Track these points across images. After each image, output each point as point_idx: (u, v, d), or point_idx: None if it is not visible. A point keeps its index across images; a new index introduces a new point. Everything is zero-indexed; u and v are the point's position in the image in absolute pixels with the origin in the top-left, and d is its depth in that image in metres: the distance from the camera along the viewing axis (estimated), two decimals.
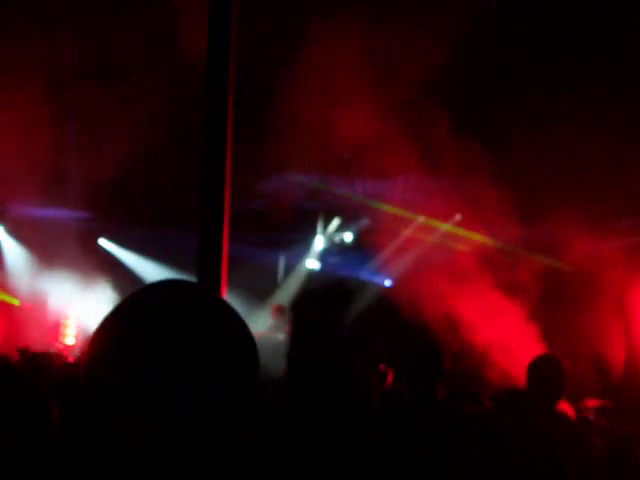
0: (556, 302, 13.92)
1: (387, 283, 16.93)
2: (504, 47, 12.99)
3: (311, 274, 17.42)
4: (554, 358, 6.41)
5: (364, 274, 16.92)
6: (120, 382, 1.47)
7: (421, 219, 16.08)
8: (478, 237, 15.11)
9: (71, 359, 9.73)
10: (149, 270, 16.75)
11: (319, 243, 17.30)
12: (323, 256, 17.41)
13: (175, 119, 13.20)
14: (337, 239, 17.20)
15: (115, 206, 15.36)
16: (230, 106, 4.85)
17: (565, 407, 6.36)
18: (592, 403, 7.17)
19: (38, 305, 15.81)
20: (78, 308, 15.31)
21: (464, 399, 7.10)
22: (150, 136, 13.29)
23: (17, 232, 16.16)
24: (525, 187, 13.91)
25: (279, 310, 15.78)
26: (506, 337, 13.94)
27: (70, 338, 15.40)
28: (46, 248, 15.40)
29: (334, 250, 17.33)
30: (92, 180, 13.83)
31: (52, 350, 13.01)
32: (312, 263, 17.42)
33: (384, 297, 16.57)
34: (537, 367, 6.18)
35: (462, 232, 15.45)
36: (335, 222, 17.08)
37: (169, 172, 14.57)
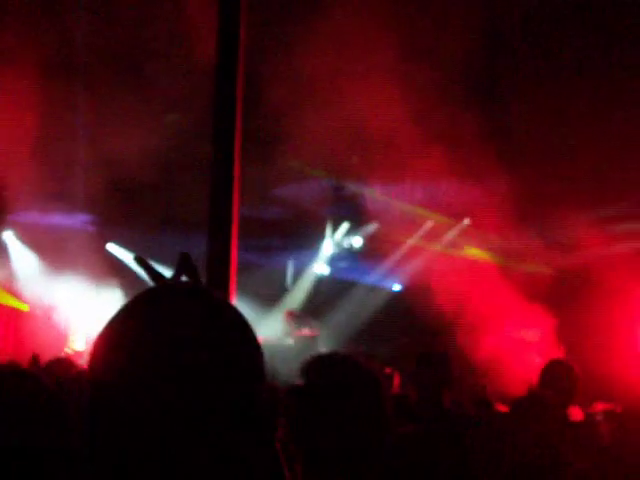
0: (564, 306, 13.89)
1: (395, 288, 16.91)
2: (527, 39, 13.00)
3: (320, 279, 17.41)
4: (566, 363, 6.40)
5: (372, 279, 16.92)
6: (125, 383, 1.48)
7: (430, 224, 16.06)
8: (486, 240, 15.10)
9: (84, 365, 9.72)
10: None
11: (328, 248, 17.29)
12: (332, 261, 17.41)
13: (186, 122, 13.22)
14: (346, 244, 17.19)
15: (123, 211, 15.38)
16: (239, 108, 4.85)
17: (575, 411, 6.35)
18: (601, 407, 7.16)
19: (47, 311, 15.84)
20: (87, 313, 15.32)
21: (473, 404, 7.10)
22: (160, 141, 13.31)
23: (26, 237, 16.18)
24: (536, 189, 13.89)
25: (291, 315, 15.79)
26: (516, 341, 13.92)
27: (79, 343, 15.41)
28: (55, 253, 15.41)
29: (343, 255, 17.33)
30: (101, 185, 13.86)
31: (62, 355, 13.04)
32: (321, 268, 17.41)
33: (393, 302, 16.57)
34: (550, 372, 6.17)
35: (471, 235, 15.45)
36: (344, 227, 17.07)
37: (178, 177, 14.60)
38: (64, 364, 7.51)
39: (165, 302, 1.57)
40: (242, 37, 4.93)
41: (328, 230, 17.17)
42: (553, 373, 6.12)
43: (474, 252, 15.33)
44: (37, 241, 15.72)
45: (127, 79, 12.97)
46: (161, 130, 13.42)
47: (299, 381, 3.10)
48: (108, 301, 14.90)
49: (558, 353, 12.08)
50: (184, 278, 2.14)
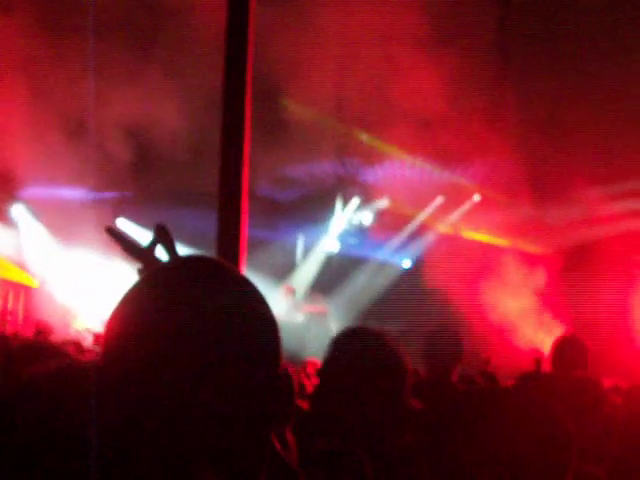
0: (577, 280, 13.88)
1: (405, 264, 16.88)
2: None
3: (329, 255, 17.38)
4: (577, 338, 6.39)
5: (382, 255, 16.88)
6: (144, 361, 1.43)
7: (440, 200, 16.03)
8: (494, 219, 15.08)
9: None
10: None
11: (338, 224, 17.25)
12: (342, 237, 17.36)
13: (197, 98, 13.20)
14: (356, 220, 17.15)
15: (134, 186, 15.37)
16: (249, 85, 4.82)
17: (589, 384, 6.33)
18: (607, 382, 7.16)
19: (56, 287, 15.86)
20: (96, 289, 15.32)
21: (480, 379, 7.10)
22: (171, 116, 13.30)
23: (37, 211, 16.16)
24: (550, 165, 13.87)
25: (290, 291, 15.78)
26: (527, 316, 13.93)
27: (88, 322, 15.41)
28: (65, 228, 15.40)
29: (353, 231, 17.28)
30: (113, 159, 13.86)
31: (72, 333, 13.09)
32: (330, 244, 17.37)
33: (403, 278, 16.56)
34: (561, 347, 6.16)
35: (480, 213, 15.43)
36: (354, 203, 17.02)
37: (188, 152, 14.59)
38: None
39: (185, 276, 1.52)
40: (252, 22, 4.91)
41: (338, 206, 17.12)
42: (564, 348, 6.10)
43: (479, 236, 15.30)
44: (48, 215, 15.69)
45: (142, 50, 12.97)
46: (174, 102, 13.41)
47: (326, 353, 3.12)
48: (118, 276, 14.92)
49: (569, 328, 12.09)
50: (160, 248, 2.10)
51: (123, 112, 13.65)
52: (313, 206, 16.61)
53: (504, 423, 2.34)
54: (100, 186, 15.37)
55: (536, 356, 10.76)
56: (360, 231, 17.21)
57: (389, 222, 16.31)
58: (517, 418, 2.36)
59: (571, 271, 13.98)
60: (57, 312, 15.01)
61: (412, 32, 12.58)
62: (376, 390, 2.99)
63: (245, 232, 4.86)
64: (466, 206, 15.81)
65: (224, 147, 4.80)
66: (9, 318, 15.46)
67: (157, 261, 2.15)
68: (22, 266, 16.11)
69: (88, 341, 12.08)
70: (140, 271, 2.14)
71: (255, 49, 4.82)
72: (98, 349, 8.24)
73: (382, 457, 2.96)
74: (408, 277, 16.31)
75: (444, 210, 16.01)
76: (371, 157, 15.56)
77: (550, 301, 13.96)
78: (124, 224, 17.01)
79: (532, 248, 14.79)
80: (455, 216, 15.94)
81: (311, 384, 7.69)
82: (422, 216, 16.12)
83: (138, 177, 15.13)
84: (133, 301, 1.51)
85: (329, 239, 17.29)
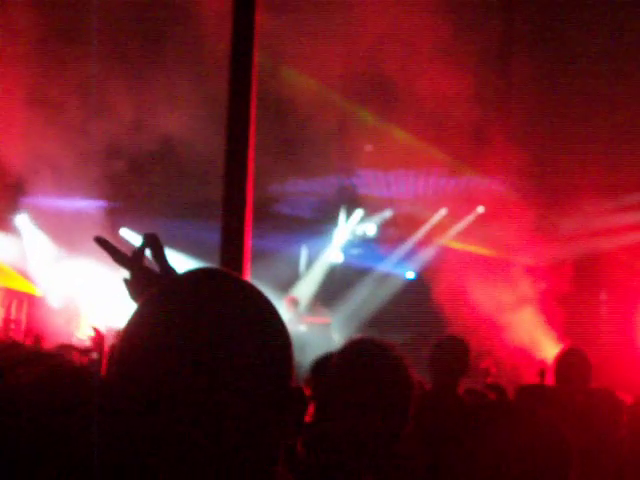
0: (581, 292, 13.87)
1: (409, 275, 16.86)
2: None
3: (333, 266, 17.36)
4: (580, 351, 6.37)
5: (386, 266, 16.86)
6: (158, 372, 1.41)
7: (443, 212, 16.02)
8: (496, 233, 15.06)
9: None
10: (171, 261, 16.67)
11: (341, 235, 17.23)
12: (345, 248, 17.35)
13: (200, 107, 13.21)
14: (359, 231, 17.13)
15: (137, 196, 15.37)
16: (254, 95, 4.82)
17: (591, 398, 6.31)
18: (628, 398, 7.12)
19: (60, 296, 15.84)
20: (99, 298, 15.30)
21: (487, 391, 7.06)
22: (174, 126, 13.30)
23: (39, 221, 16.16)
24: (555, 177, 13.87)
25: (293, 301, 15.76)
26: (531, 328, 13.90)
27: (90, 329, 15.39)
28: (68, 238, 15.39)
29: (356, 242, 17.27)
30: (115, 170, 13.85)
31: (74, 341, 13.05)
32: (334, 255, 17.35)
33: (407, 290, 16.54)
34: (564, 360, 6.14)
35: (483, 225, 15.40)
36: (358, 214, 17.00)
37: (192, 163, 14.59)
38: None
39: (199, 288, 1.50)
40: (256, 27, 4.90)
41: (342, 217, 17.11)
42: (568, 361, 6.09)
43: (480, 249, 15.26)
44: (51, 225, 15.69)
45: (147, 58, 12.98)
46: (179, 112, 13.42)
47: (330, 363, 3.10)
48: (119, 287, 14.87)
49: (568, 342, 12.07)
50: (149, 257, 2.08)
51: (127, 121, 13.66)
52: (317, 217, 16.60)
53: (508, 437, 2.32)
54: (103, 196, 15.37)
55: (540, 368, 10.73)
56: (364, 242, 17.19)
57: (393, 233, 16.31)
58: (522, 432, 2.34)
59: (575, 283, 13.96)
60: (60, 320, 14.99)
61: (412, 43, 12.60)
62: (381, 402, 2.96)
63: (249, 243, 4.85)
64: (470, 218, 15.79)
65: (228, 157, 4.80)
66: (12, 327, 15.44)
67: (146, 270, 2.15)
68: (25, 275, 16.10)
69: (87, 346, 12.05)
70: (126, 281, 2.14)
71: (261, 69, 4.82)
72: (95, 354, 8.22)
73: (385, 470, 2.94)
74: (412, 288, 16.29)
75: (448, 222, 15.99)
76: (376, 168, 15.56)
77: (554, 313, 13.93)
78: (127, 234, 17.00)
79: (536, 260, 14.76)
80: (459, 228, 15.92)
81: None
82: (426, 227, 16.10)
83: (141, 187, 15.12)
84: (148, 316, 1.49)
85: (333, 250, 17.26)
